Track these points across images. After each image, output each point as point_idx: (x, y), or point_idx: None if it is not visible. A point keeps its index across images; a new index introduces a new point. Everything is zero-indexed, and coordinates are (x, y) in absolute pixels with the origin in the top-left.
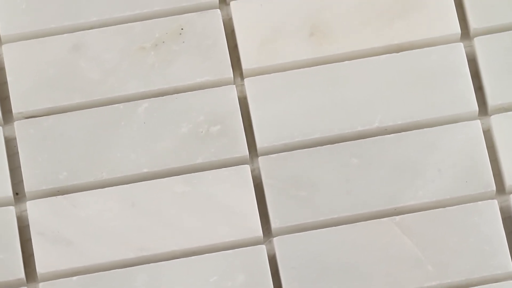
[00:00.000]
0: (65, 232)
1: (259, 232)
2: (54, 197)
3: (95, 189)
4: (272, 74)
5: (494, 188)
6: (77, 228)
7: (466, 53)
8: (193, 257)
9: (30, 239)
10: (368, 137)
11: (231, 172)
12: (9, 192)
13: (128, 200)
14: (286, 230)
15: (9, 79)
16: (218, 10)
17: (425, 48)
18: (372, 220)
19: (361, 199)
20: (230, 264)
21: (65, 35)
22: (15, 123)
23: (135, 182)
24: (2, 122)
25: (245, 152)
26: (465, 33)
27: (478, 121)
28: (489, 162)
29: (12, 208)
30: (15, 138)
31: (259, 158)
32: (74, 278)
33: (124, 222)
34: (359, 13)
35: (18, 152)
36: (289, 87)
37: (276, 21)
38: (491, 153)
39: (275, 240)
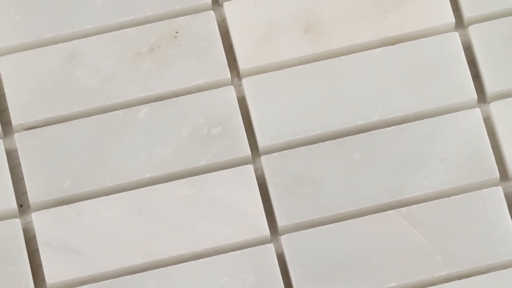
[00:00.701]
0: (72, 241)
1: (266, 231)
2: (59, 207)
3: (100, 196)
4: (269, 72)
5: (498, 175)
6: (84, 236)
7: (461, 41)
8: (201, 259)
9: (37, 250)
10: (369, 131)
11: (234, 173)
12: (13, 204)
13: (133, 206)
14: (293, 227)
15: (6, 91)
16: (212, 11)
17: (420, 39)
18: (378, 213)
19: (366, 193)
20: (239, 265)
21: (60, 44)
22: (16, 135)
23: (139, 187)
24: (2, 134)
25: (247, 152)
26: (459, 22)
27: (478, 109)
28: (491, 149)
29: (17, 220)
30: (16, 150)
31: (262, 157)
32: (84, 287)
33: (130, 228)
34: (353, 7)
35: (20, 164)
36: (287, 85)
37: (270, 19)
38: (493, 140)
39: (283, 238)
